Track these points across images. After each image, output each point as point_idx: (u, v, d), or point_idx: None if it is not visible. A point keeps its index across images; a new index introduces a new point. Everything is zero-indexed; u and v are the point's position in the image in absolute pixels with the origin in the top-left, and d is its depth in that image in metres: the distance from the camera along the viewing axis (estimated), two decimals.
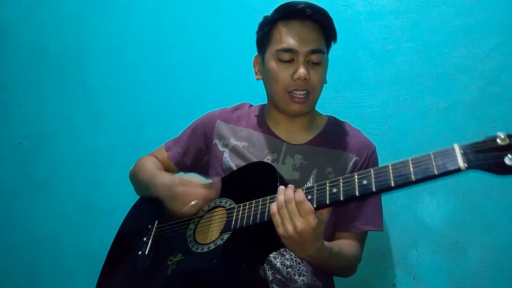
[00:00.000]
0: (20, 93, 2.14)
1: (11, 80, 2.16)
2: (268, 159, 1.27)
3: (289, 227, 0.93)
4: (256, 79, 1.35)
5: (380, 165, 1.29)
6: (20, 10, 2.18)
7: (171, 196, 1.15)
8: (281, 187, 0.98)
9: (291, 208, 0.93)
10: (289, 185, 0.98)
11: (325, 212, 0.97)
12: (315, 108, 1.36)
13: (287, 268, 1.13)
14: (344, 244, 1.18)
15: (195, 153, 1.42)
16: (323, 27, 1.24)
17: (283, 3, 1.27)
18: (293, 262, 1.15)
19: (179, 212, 1.14)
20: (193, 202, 1.13)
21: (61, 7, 2.11)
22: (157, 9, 1.97)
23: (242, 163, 1.27)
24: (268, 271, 1.12)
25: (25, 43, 2.15)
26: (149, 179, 1.29)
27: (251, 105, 1.46)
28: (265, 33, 1.28)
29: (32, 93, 2.12)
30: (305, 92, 1.23)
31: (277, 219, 0.95)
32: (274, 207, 0.96)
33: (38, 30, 2.14)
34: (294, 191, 0.95)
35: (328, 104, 1.64)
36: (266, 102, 1.39)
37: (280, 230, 0.94)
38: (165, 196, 1.18)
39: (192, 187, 1.13)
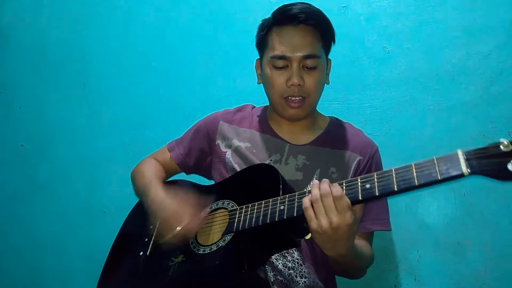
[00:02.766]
0: (21, 95, 2.14)
1: (12, 82, 2.16)
2: (271, 160, 1.27)
3: (324, 222, 0.91)
4: (257, 83, 1.35)
5: (383, 167, 1.32)
6: (21, 13, 2.18)
7: (165, 227, 1.14)
8: (315, 181, 0.96)
9: (327, 202, 0.91)
10: (324, 179, 0.95)
11: (359, 210, 0.95)
12: (317, 109, 1.36)
13: (288, 270, 1.13)
14: (362, 244, 1.19)
15: (198, 154, 1.42)
16: (319, 30, 1.23)
17: (279, 6, 1.26)
18: (294, 264, 1.15)
19: (164, 235, 1.15)
20: (178, 228, 1.11)
21: (62, 10, 2.11)
22: (157, 11, 1.97)
23: (244, 164, 1.27)
24: (270, 272, 1.12)
25: (26, 46, 2.15)
26: (143, 191, 1.30)
27: (253, 107, 1.46)
28: (262, 38, 1.28)
29: (33, 95, 2.12)
30: (300, 97, 1.23)
31: (310, 213, 0.93)
32: (307, 201, 0.94)
33: (39, 33, 2.14)
34: (330, 186, 0.94)
35: (328, 105, 1.64)
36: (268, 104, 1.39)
37: (314, 224, 0.92)
38: (158, 222, 1.18)
39: (181, 216, 1.12)
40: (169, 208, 1.15)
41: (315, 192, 0.93)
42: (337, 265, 1.15)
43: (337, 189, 0.91)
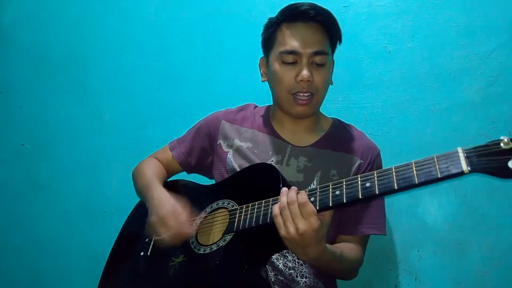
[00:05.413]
0: (22, 95, 2.15)
1: (13, 82, 2.17)
2: (272, 161, 1.27)
3: (291, 229, 0.94)
4: (261, 81, 1.34)
5: (384, 167, 1.31)
6: (22, 12, 2.19)
7: (162, 224, 1.15)
8: (284, 189, 0.99)
9: (293, 209, 0.94)
10: (292, 186, 0.99)
11: (327, 215, 0.97)
12: (320, 110, 1.36)
13: (289, 270, 1.14)
14: (347, 247, 1.18)
15: (199, 153, 1.42)
16: (327, 28, 1.24)
17: (287, 4, 1.26)
18: (295, 264, 1.15)
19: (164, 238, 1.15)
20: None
21: (63, 10, 2.12)
22: (158, 11, 1.98)
23: (245, 164, 1.27)
24: (270, 272, 1.13)
25: (27, 46, 2.16)
26: (143, 190, 1.31)
27: (256, 106, 1.46)
28: (270, 35, 1.28)
29: (34, 95, 2.12)
30: (309, 94, 1.22)
31: (279, 220, 0.96)
32: (276, 208, 0.97)
33: (40, 33, 2.15)
34: (297, 193, 0.96)
35: (329, 105, 1.64)
36: (271, 103, 1.39)
37: (282, 231, 0.96)
38: (155, 219, 1.17)
39: (180, 227, 1.13)
40: (167, 207, 1.16)
41: (283, 199, 0.97)
42: (314, 268, 1.17)
43: (302, 196, 0.95)
